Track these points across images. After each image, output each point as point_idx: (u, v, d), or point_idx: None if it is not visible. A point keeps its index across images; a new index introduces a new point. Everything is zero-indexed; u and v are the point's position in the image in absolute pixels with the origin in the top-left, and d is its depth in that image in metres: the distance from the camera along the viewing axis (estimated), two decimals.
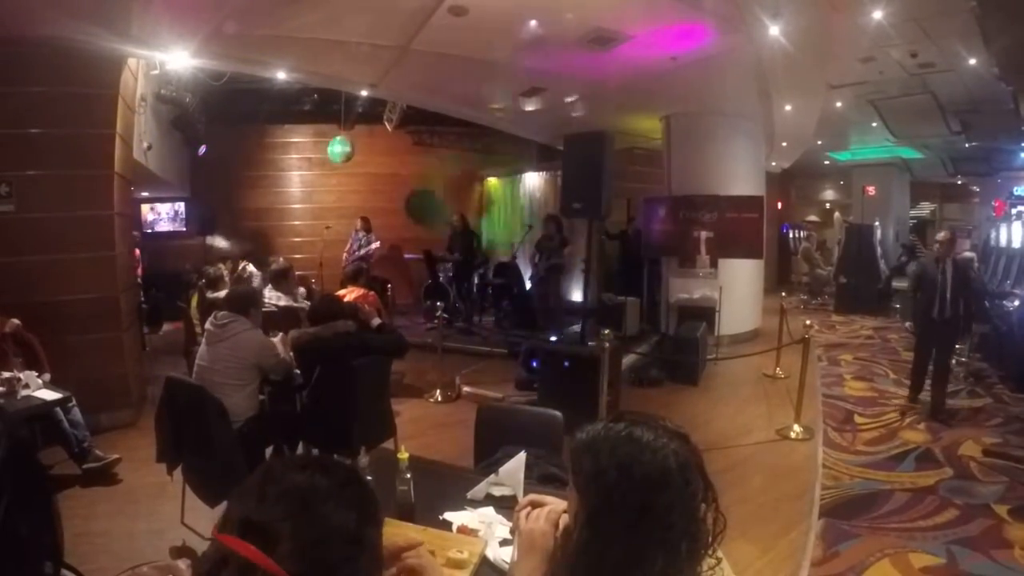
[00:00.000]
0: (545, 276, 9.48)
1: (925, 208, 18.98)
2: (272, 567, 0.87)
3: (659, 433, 1.20)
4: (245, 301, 4.21)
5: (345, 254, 11.13)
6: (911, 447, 5.38)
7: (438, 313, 7.33)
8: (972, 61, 7.44)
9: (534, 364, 6.85)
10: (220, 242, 11.46)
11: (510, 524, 2.12)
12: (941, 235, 6.55)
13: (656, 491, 1.14)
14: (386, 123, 11.27)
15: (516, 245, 11.37)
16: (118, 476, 4.63)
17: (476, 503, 2.36)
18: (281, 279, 6.63)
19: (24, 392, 4.24)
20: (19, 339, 4.68)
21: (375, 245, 10.90)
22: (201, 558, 0.95)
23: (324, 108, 11.54)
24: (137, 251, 10.23)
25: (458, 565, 1.92)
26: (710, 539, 1.21)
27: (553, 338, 7.77)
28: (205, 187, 11.61)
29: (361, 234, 11.10)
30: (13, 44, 5.18)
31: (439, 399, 6.76)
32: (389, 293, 9.34)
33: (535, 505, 1.53)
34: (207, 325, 4.15)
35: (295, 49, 6.64)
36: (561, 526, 1.47)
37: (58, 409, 4.44)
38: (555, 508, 1.52)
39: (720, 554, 1.26)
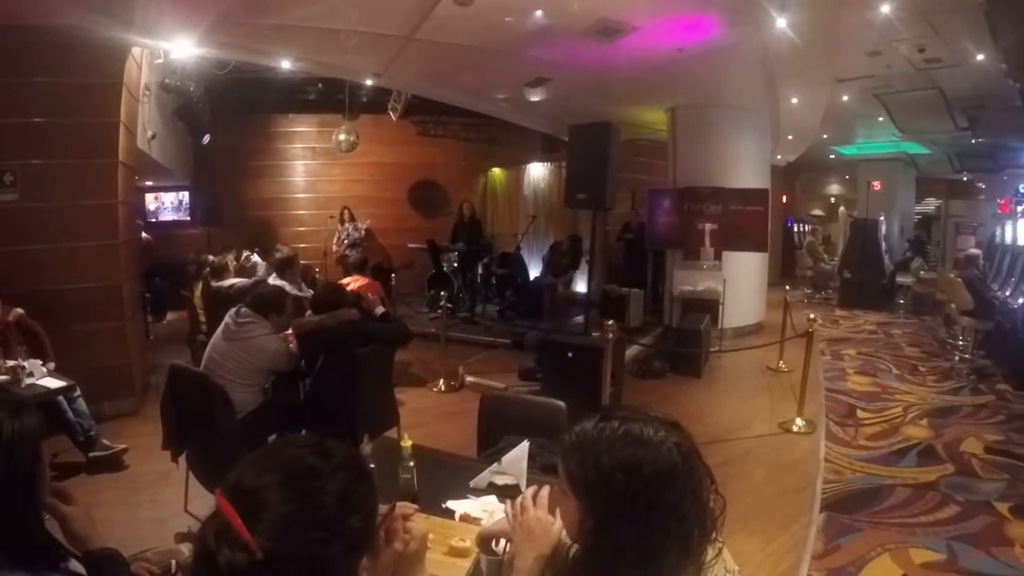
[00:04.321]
0: (552, 284, 9.52)
1: (931, 204, 18.91)
2: (242, 531, 0.90)
3: (656, 427, 1.19)
4: (268, 303, 4.20)
5: (335, 246, 11.16)
6: (913, 443, 5.38)
7: (442, 303, 7.33)
8: (980, 57, 7.39)
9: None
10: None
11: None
12: None
13: (666, 487, 1.13)
14: (391, 113, 11.24)
15: (520, 235, 11.37)
16: (126, 463, 4.66)
17: (479, 492, 2.37)
18: (286, 268, 6.63)
19: (28, 380, 4.25)
20: (24, 327, 4.69)
21: (364, 226, 11.31)
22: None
23: (328, 98, 11.51)
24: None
25: (460, 554, 1.92)
26: (714, 522, 1.21)
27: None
28: (209, 176, 11.58)
29: (348, 225, 11.15)
30: (17, 33, 5.18)
31: (442, 388, 6.78)
32: (393, 282, 9.35)
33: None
34: (227, 318, 4.14)
35: (300, 38, 6.62)
36: (559, 516, 1.46)
37: (62, 398, 4.45)
38: (543, 493, 1.51)
39: (721, 539, 1.26)
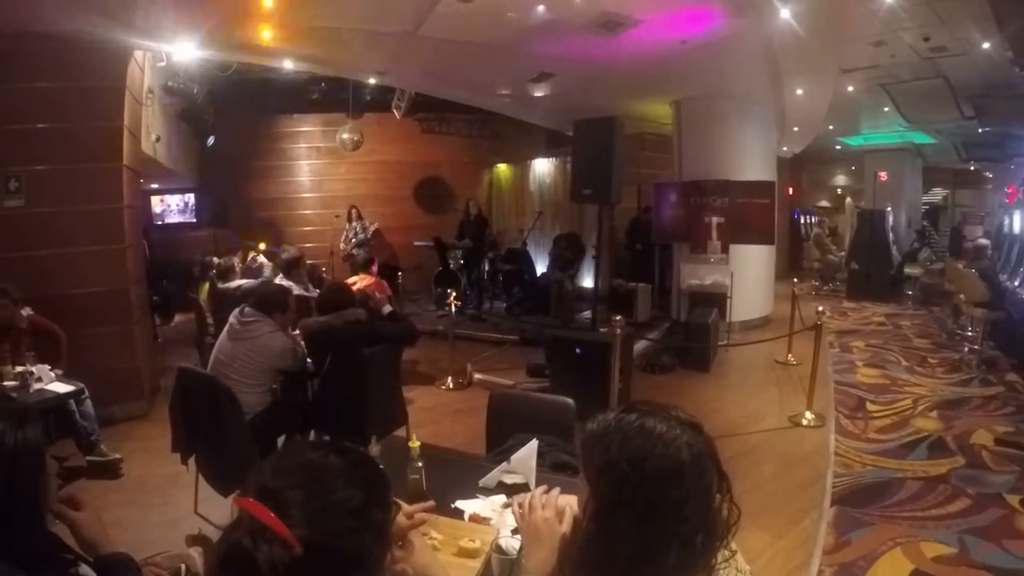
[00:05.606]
0: (559, 279, 9.48)
1: (937, 194, 18.82)
2: (279, 527, 0.92)
3: (672, 424, 1.18)
4: (272, 301, 4.19)
5: (342, 244, 11.19)
6: (923, 435, 5.35)
7: (449, 300, 7.34)
8: (985, 45, 7.34)
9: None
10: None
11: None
12: None
13: (669, 485, 1.12)
14: (395, 111, 11.26)
15: (527, 231, 11.36)
16: (121, 471, 4.64)
17: (488, 491, 2.37)
18: (292, 268, 6.63)
19: (37, 386, 4.26)
20: (40, 329, 4.69)
21: (372, 228, 11.36)
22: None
23: (332, 97, 11.51)
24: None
25: (470, 554, 1.92)
26: (725, 530, 1.19)
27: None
28: (214, 178, 11.60)
29: (356, 224, 11.16)
30: (20, 39, 5.19)
31: (451, 386, 6.79)
32: (400, 280, 9.36)
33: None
34: (231, 318, 4.14)
35: (302, 38, 6.62)
36: (567, 514, 1.47)
37: (72, 402, 4.46)
38: (552, 494, 1.52)
39: (734, 546, 1.25)
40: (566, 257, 9.42)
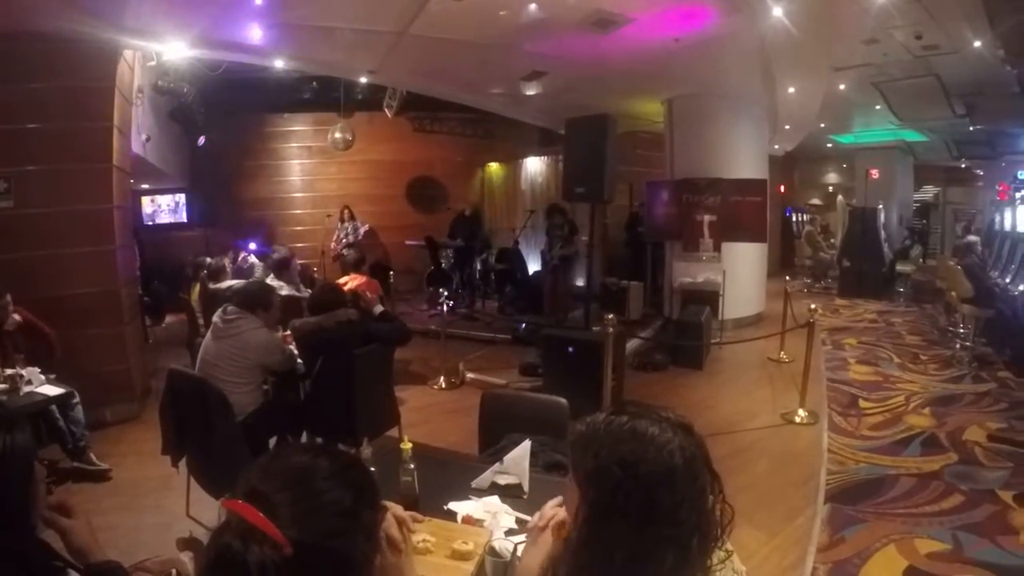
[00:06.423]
0: (558, 265, 9.38)
1: (929, 191, 18.88)
2: (269, 527, 0.92)
3: (663, 427, 1.17)
4: (255, 299, 4.15)
5: (333, 243, 11.16)
6: (916, 432, 5.36)
7: (441, 299, 7.31)
8: (977, 43, 7.35)
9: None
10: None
11: (515, 514, 2.11)
12: None
13: (663, 490, 1.11)
14: (386, 110, 11.22)
15: (518, 230, 11.35)
16: (109, 474, 4.58)
17: (481, 492, 2.35)
18: (283, 268, 6.61)
19: (27, 388, 4.22)
20: (30, 326, 4.65)
21: (363, 228, 11.36)
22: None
23: (323, 96, 11.46)
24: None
25: (464, 557, 1.90)
26: (719, 531, 1.18)
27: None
28: (205, 178, 11.53)
29: (348, 224, 11.14)
30: (8, 39, 5.13)
31: (443, 386, 6.77)
32: (392, 280, 9.33)
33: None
34: (215, 318, 4.10)
35: (293, 37, 6.58)
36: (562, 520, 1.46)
37: (54, 407, 4.38)
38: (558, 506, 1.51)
39: (729, 546, 1.24)
40: (561, 234, 9.20)
